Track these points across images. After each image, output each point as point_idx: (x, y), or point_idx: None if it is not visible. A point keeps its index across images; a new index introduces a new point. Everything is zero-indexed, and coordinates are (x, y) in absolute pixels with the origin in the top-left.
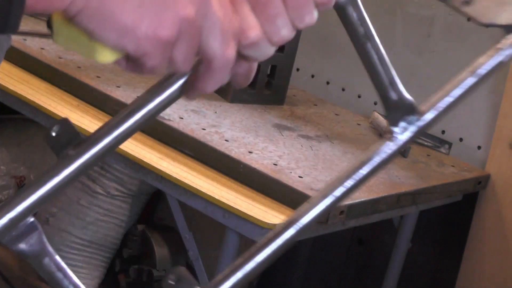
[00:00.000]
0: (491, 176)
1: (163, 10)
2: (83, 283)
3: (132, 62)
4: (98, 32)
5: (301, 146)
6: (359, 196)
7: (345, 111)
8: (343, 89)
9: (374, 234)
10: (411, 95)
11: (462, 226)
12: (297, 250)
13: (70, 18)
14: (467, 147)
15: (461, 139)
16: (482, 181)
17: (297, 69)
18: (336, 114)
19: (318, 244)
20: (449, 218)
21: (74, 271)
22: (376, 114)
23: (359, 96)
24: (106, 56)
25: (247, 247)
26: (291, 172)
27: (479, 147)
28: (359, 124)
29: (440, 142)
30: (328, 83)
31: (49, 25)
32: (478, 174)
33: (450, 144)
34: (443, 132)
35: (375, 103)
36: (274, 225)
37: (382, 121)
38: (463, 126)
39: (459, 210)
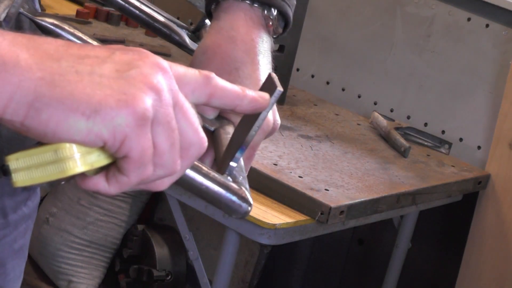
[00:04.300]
0: (491, 176)
1: (130, 84)
2: (83, 283)
3: (113, 174)
4: (59, 126)
5: (301, 146)
6: (359, 196)
7: (345, 111)
8: (343, 89)
9: (374, 234)
10: (411, 95)
11: (462, 226)
12: (297, 250)
13: (20, 123)
14: (467, 147)
15: (461, 139)
16: (482, 181)
17: (297, 69)
18: (336, 114)
19: (318, 244)
20: (449, 218)
21: (74, 271)
22: (376, 114)
23: (359, 96)
24: (75, 165)
25: (247, 247)
26: (291, 172)
27: (479, 147)
28: (359, 124)
29: (440, 142)
30: (328, 83)
31: (4, 170)
32: (478, 174)
33: (450, 144)
34: (443, 132)
35: (375, 103)
36: (274, 225)
37: (382, 121)
38: (463, 126)
39: (459, 210)
